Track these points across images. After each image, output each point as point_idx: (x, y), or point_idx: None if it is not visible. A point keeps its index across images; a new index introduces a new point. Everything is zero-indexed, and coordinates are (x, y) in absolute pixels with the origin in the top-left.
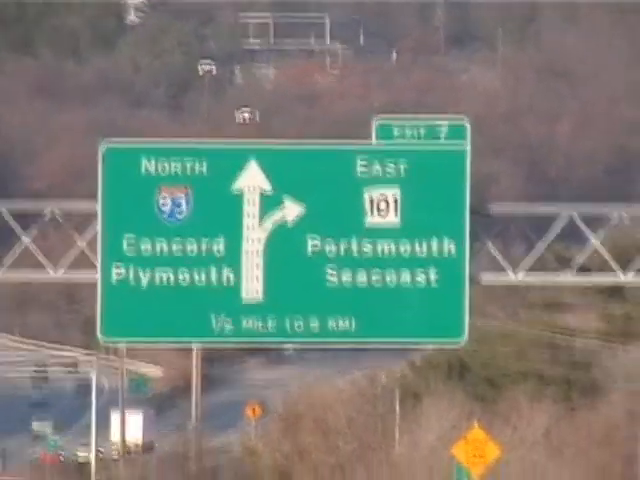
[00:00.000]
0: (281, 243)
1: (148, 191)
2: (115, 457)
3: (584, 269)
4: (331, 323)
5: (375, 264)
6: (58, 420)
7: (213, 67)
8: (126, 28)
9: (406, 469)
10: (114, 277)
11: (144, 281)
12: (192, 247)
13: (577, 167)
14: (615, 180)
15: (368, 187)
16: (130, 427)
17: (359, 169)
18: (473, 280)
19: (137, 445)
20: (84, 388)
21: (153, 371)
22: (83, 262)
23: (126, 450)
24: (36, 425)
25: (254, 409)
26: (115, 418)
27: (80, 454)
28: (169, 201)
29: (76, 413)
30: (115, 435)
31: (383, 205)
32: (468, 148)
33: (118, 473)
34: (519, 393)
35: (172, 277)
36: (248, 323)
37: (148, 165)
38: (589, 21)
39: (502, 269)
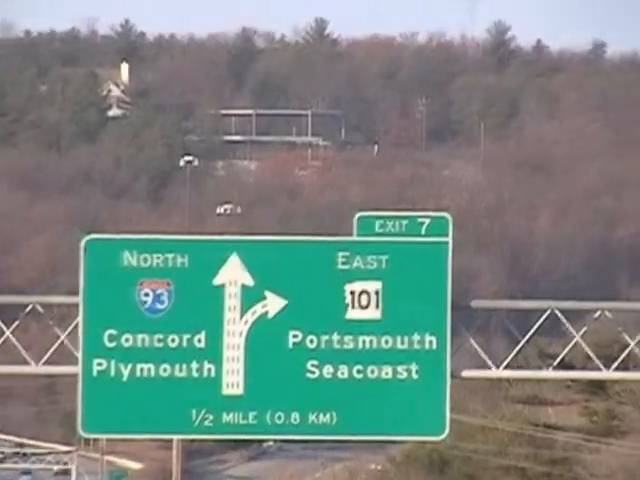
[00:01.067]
0: (262, 336)
1: (129, 284)
2: None
3: (567, 365)
4: (312, 417)
5: (356, 358)
6: None
7: (195, 160)
8: (108, 121)
9: None
10: (95, 370)
11: (125, 375)
12: (173, 340)
13: (559, 261)
14: (597, 274)
15: (349, 281)
16: None
17: (340, 263)
18: (454, 375)
19: None
20: None
21: (133, 464)
22: (64, 355)
23: None
24: None
25: None
26: None
27: None
28: (150, 294)
29: None
30: None
31: (364, 299)
32: (450, 241)
33: None
34: None
35: (153, 371)
36: (228, 417)
37: (130, 258)
38: (569, 116)
39: (483, 364)
